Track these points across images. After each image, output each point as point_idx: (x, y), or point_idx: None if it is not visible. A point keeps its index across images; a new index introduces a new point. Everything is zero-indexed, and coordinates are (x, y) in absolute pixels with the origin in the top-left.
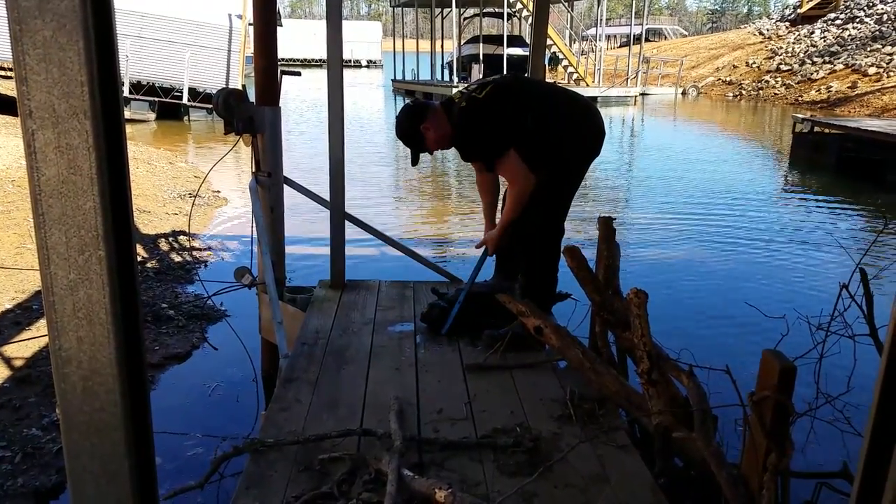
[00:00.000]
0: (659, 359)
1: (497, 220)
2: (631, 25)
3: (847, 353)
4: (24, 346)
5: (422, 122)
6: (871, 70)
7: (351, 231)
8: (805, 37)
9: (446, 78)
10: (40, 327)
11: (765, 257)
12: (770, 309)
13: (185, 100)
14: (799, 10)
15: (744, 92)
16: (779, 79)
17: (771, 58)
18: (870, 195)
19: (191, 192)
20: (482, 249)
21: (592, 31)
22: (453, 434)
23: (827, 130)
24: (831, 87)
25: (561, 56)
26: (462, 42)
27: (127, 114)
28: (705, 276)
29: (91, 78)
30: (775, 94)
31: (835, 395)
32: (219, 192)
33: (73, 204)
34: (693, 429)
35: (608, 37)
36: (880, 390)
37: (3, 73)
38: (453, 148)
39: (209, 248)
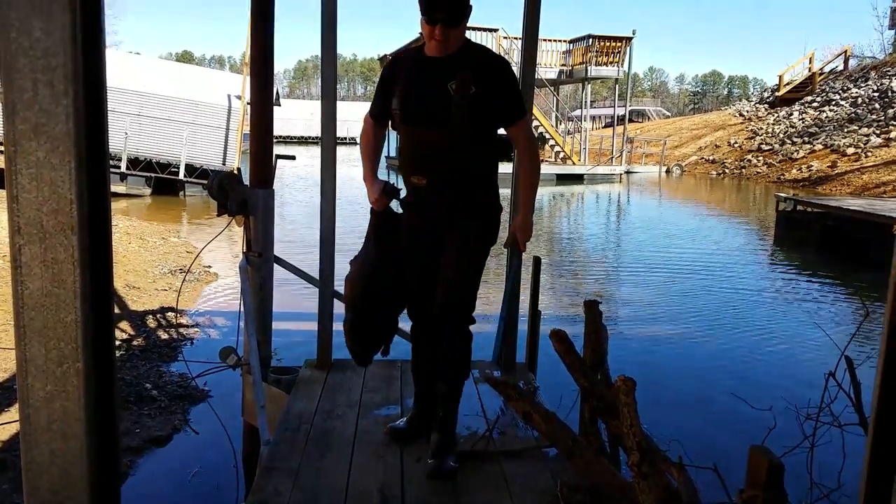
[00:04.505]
0: (649, 451)
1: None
2: (615, 107)
3: (838, 441)
4: (0, 430)
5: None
6: (850, 150)
7: (339, 307)
8: (784, 118)
9: None
10: None
11: (751, 339)
12: (757, 396)
13: (181, 175)
14: (777, 93)
15: (727, 170)
16: (760, 158)
17: (752, 138)
18: (854, 274)
19: (182, 267)
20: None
21: (578, 112)
22: None
23: (810, 209)
24: (812, 166)
25: (548, 136)
26: None
27: (122, 189)
28: (692, 360)
29: (80, 195)
30: (758, 172)
31: (827, 491)
32: (209, 267)
33: (54, 317)
34: None
35: (593, 117)
36: (865, 483)
37: None
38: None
39: (196, 325)
